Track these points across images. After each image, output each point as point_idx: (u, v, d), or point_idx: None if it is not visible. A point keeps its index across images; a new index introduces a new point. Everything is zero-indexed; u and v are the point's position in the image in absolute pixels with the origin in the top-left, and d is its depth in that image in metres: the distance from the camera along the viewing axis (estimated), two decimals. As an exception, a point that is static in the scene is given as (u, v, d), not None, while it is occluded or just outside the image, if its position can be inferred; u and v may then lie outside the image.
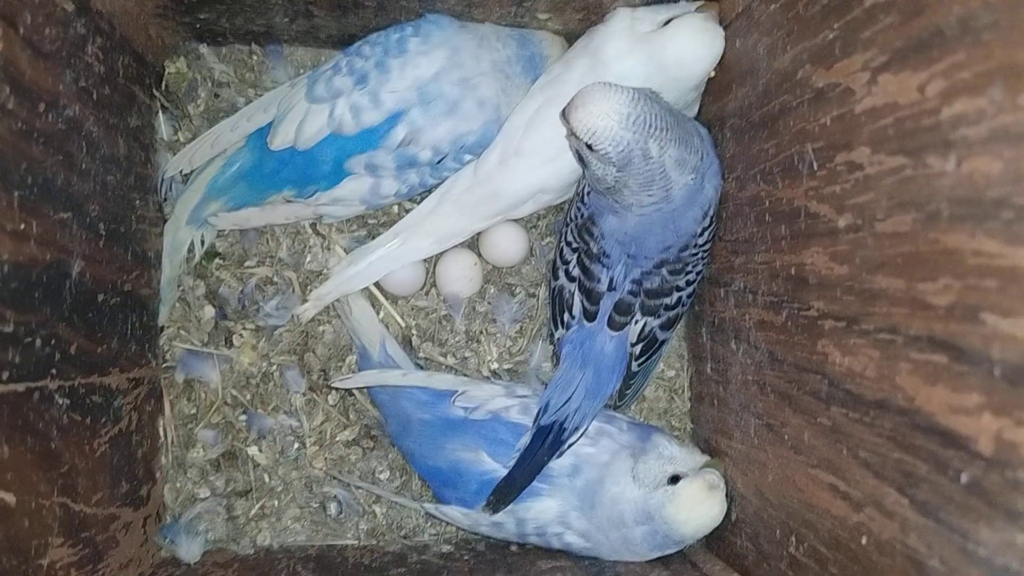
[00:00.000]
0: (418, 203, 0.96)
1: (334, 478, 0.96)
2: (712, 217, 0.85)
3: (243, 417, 0.96)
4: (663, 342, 0.91)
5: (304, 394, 0.96)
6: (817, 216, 0.65)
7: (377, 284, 0.97)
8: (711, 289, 0.90)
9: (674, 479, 0.85)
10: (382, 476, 0.97)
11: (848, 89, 0.60)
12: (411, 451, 0.94)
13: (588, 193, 0.86)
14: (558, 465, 0.87)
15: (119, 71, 0.79)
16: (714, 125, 0.88)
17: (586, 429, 0.88)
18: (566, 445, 0.87)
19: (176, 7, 0.86)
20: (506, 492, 0.86)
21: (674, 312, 0.88)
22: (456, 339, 0.98)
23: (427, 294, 0.99)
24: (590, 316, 0.88)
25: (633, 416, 0.98)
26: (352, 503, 0.96)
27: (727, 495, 0.85)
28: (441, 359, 0.98)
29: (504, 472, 0.88)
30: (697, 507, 0.83)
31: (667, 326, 0.89)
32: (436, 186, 0.95)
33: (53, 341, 0.64)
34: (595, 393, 0.88)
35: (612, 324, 0.87)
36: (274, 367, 0.96)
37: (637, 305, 0.87)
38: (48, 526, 0.64)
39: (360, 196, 0.92)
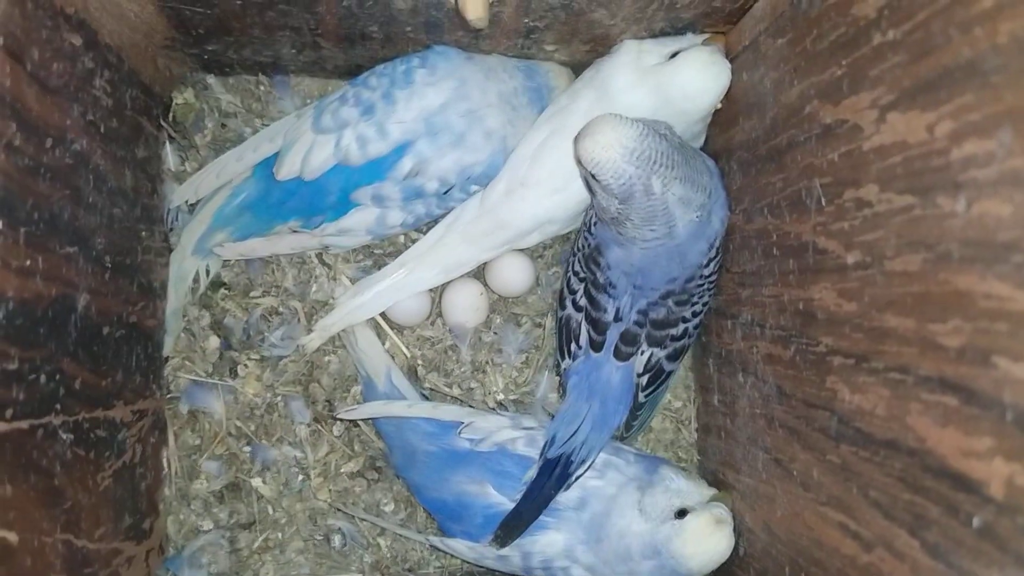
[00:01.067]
0: (424, 233, 0.96)
1: (339, 510, 0.95)
2: (718, 248, 0.85)
3: (247, 448, 0.95)
4: (669, 373, 0.90)
5: (309, 425, 0.96)
6: (825, 252, 0.65)
7: (383, 314, 0.96)
8: (718, 320, 0.90)
9: (681, 513, 0.84)
10: (387, 508, 0.96)
11: (856, 126, 0.60)
12: (416, 483, 0.93)
13: (595, 224, 0.86)
14: (564, 498, 0.87)
15: (127, 103, 0.79)
16: (721, 157, 0.88)
17: (593, 462, 0.87)
18: (573, 478, 0.86)
19: (184, 39, 0.86)
20: (513, 526, 0.86)
21: (680, 343, 0.88)
22: (462, 369, 0.98)
23: (432, 324, 0.99)
24: (597, 346, 0.88)
25: (640, 448, 0.98)
26: (356, 536, 0.96)
27: (735, 529, 0.84)
28: (447, 390, 0.97)
29: (510, 505, 0.87)
30: (704, 541, 0.83)
31: (673, 357, 0.88)
32: (442, 216, 0.94)
33: (58, 376, 0.64)
34: (602, 425, 0.88)
35: (618, 355, 0.87)
36: (279, 398, 0.96)
37: (643, 336, 0.86)
38: (51, 564, 0.63)
39: (367, 227, 0.92)
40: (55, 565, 0.64)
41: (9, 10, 0.55)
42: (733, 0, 0.80)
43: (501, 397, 0.97)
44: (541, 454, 0.87)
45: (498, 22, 0.84)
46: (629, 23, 0.85)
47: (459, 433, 0.90)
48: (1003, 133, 0.44)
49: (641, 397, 0.89)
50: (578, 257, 0.90)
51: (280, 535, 0.95)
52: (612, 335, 0.87)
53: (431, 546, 0.95)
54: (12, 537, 0.57)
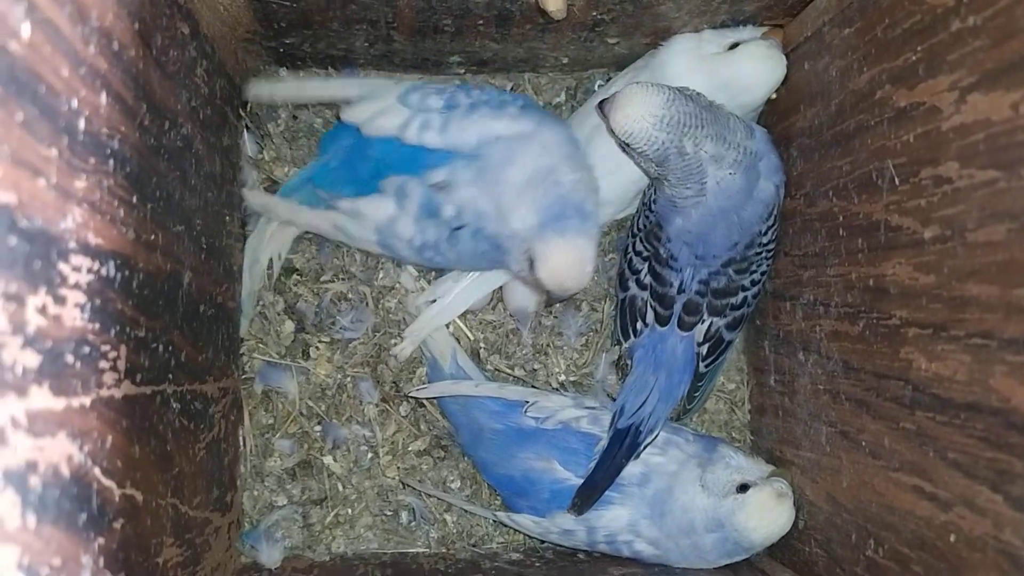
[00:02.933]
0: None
1: (407, 486, 0.99)
2: (776, 216, 0.89)
3: (318, 428, 0.99)
4: (729, 343, 0.94)
5: (377, 405, 0.99)
6: (899, 229, 0.68)
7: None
8: (775, 303, 0.93)
9: (743, 487, 0.87)
10: (453, 485, 0.99)
11: (934, 108, 0.63)
12: (483, 460, 0.97)
13: (654, 201, 0.89)
14: (628, 474, 0.90)
15: (217, 92, 0.82)
16: (780, 145, 0.91)
17: (659, 432, 0.90)
18: (642, 447, 0.89)
19: (264, 33, 0.90)
20: (588, 494, 0.89)
21: (739, 312, 0.91)
22: (523, 352, 1.01)
23: (494, 309, 1.02)
24: (663, 320, 0.91)
25: (696, 428, 1.01)
26: (424, 512, 0.99)
27: (795, 503, 0.87)
28: (509, 371, 1.00)
29: (576, 480, 0.91)
30: (767, 514, 0.86)
31: (733, 326, 0.92)
32: (445, 265, 0.96)
33: (170, 347, 0.68)
34: (668, 396, 0.91)
35: (681, 325, 0.90)
36: (348, 379, 0.99)
37: (704, 305, 0.90)
38: (163, 526, 0.66)
39: (376, 221, 0.91)
40: (166, 528, 0.67)
41: (139, -3, 0.59)
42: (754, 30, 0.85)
43: (563, 379, 1.00)
44: (611, 424, 0.90)
45: (568, 15, 0.87)
46: (692, 16, 0.88)
47: (525, 412, 0.93)
48: (1095, 106, 0.48)
49: (702, 367, 0.93)
50: (639, 237, 0.93)
51: (350, 511, 0.98)
52: (677, 307, 0.90)
53: (495, 522, 0.99)
54: (138, 496, 0.60)
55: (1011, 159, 0.55)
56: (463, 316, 1.01)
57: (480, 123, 0.87)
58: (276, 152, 0.99)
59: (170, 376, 0.68)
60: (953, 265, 0.61)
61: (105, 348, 0.53)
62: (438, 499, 0.99)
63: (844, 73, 0.77)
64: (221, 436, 0.86)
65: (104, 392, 0.53)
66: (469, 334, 1.01)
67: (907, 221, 0.67)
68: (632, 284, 0.93)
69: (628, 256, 0.95)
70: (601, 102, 0.87)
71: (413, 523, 0.99)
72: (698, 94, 0.84)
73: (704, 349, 0.92)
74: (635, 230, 0.95)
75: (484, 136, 0.87)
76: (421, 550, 0.98)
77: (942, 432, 0.63)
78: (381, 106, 0.91)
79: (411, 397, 0.98)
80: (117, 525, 0.55)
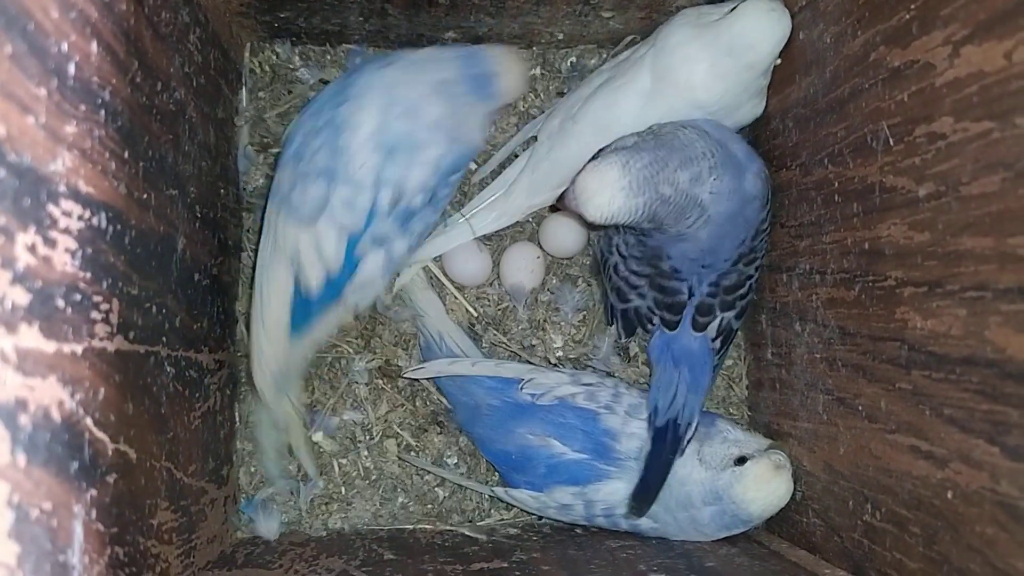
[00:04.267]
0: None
1: (404, 461, 0.98)
2: (769, 199, 0.88)
3: (314, 405, 0.98)
4: (736, 330, 0.94)
5: (368, 384, 0.99)
6: (894, 189, 0.68)
7: (445, 273, 1.00)
8: (771, 276, 0.93)
9: (741, 460, 0.87)
10: (450, 461, 0.99)
11: (928, 64, 0.63)
12: (480, 436, 0.96)
13: (647, 235, 0.88)
14: (625, 448, 0.90)
15: (211, 63, 0.82)
16: (775, 117, 0.91)
17: (698, 422, 0.90)
18: (685, 441, 0.89)
19: (259, 5, 0.90)
20: (644, 497, 0.88)
21: (746, 301, 0.91)
22: (520, 327, 1.01)
23: (491, 285, 1.02)
24: (671, 325, 0.90)
25: (693, 403, 1.01)
26: (420, 487, 0.99)
27: (792, 475, 0.87)
28: (508, 344, 1.00)
29: (572, 455, 0.90)
30: (765, 486, 0.86)
31: (740, 315, 0.92)
32: (438, 221, 0.96)
33: (164, 311, 0.67)
34: (696, 388, 0.90)
35: (696, 326, 0.90)
36: (340, 356, 0.99)
37: (717, 304, 0.89)
38: (157, 488, 0.66)
39: (379, 270, 0.90)
40: (160, 490, 0.67)
41: (130, -45, 0.59)
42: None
43: (560, 354, 1.00)
44: (649, 425, 0.90)
45: (560, -13, 0.87)
46: (688, -14, 0.88)
47: (521, 388, 0.93)
48: (1088, 47, 0.48)
49: (715, 360, 0.93)
50: (629, 263, 0.91)
51: (344, 489, 0.98)
52: (687, 311, 0.90)
53: (492, 497, 0.98)
54: (132, 454, 0.60)
55: (1005, 108, 0.55)
56: (461, 290, 1.01)
57: (356, 143, 0.85)
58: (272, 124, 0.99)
59: (164, 339, 0.68)
60: (947, 220, 0.61)
61: (97, 299, 0.53)
62: (435, 475, 0.99)
63: (838, 39, 0.77)
64: (216, 408, 0.86)
65: (96, 343, 0.53)
66: (470, 309, 1.01)
67: (902, 181, 0.67)
68: (633, 297, 0.92)
69: (622, 274, 0.92)
70: (562, 195, 0.85)
71: (409, 500, 0.99)
72: (641, 135, 0.85)
73: (717, 343, 0.91)
74: (621, 253, 0.93)
75: (371, 139, 0.85)
76: (419, 526, 0.98)
77: (938, 389, 0.63)
78: (310, 248, 0.87)
79: (405, 377, 0.98)
80: (110, 479, 0.55)
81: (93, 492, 0.52)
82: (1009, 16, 0.54)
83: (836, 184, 0.78)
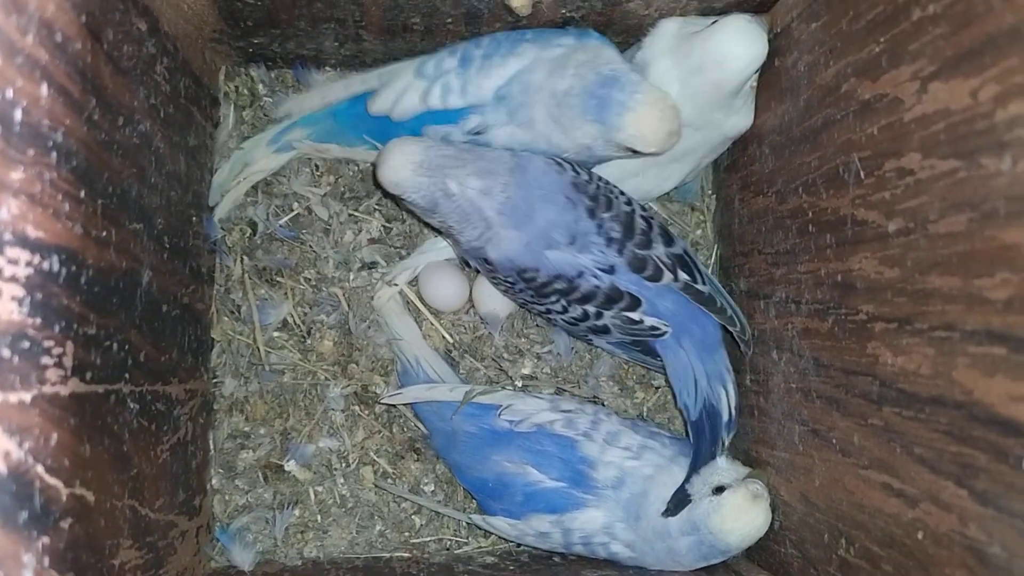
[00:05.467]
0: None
1: (380, 489, 0.98)
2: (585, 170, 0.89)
3: (289, 433, 0.97)
4: (686, 251, 0.90)
5: (344, 411, 0.98)
6: (865, 223, 0.67)
7: (421, 299, 0.99)
8: (749, 302, 0.92)
9: (718, 489, 0.86)
10: (427, 488, 0.98)
11: (897, 99, 0.62)
12: (457, 463, 0.95)
13: (491, 263, 0.88)
14: (603, 477, 0.89)
15: (181, 91, 0.82)
16: (752, 142, 0.90)
17: (734, 382, 0.91)
18: (724, 424, 0.90)
19: (232, 32, 0.89)
20: (683, 498, 0.87)
21: (653, 230, 0.88)
22: (495, 353, 1.00)
23: (467, 312, 1.01)
24: (631, 306, 0.88)
25: (674, 432, 1.00)
26: (397, 515, 0.98)
27: (771, 504, 0.86)
28: (482, 369, 0.99)
29: (550, 483, 0.90)
30: (742, 516, 0.85)
31: (668, 242, 0.89)
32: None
33: (127, 347, 0.67)
34: (706, 346, 0.90)
35: (651, 279, 0.87)
36: (316, 384, 0.98)
37: (633, 245, 0.86)
38: (120, 528, 0.65)
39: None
40: (123, 530, 0.66)
41: (89, -10, 0.58)
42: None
43: (526, 371, 1.00)
44: (687, 422, 0.91)
45: (536, 12, 0.86)
46: (663, 13, 0.88)
47: (499, 415, 0.92)
48: (1049, 91, 0.47)
49: (699, 288, 0.89)
50: (534, 307, 0.93)
51: (320, 516, 0.97)
52: (624, 282, 0.87)
53: (469, 525, 0.97)
54: (89, 496, 0.59)
55: (971, 148, 0.54)
56: (437, 316, 1.00)
57: (494, 73, 0.88)
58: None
59: (126, 376, 0.67)
60: (916, 257, 0.60)
61: (48, 344, 0.52)
62: (411, 503, 0.98)
63: (812, 68, 0.76)
64: (188, 439, 0.85)
65: (47, 389, 0.52)
66: (445, 335, 1.00)
67: (872, 215, 0.66)
68: (598, 323, 0.90)
69: (561, 320, 0.92)
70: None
71: (386, 528, 0.98)
72: (461, 144, 0.88)
73: (681, 275, 0.88)
74: (527, 307, 0.94)
75: (499, 83, 0.88)
76: (394, 554, 0.97)
77: (908, 427, 0.62)
78: (401, 86, 0.92)
79: (383, 403, 0.97)
80: (64, 525, 0.54)
81: (45, 540, 0.51)
82: (975, 54, 0.53)
83: (810, 214, 0.77)
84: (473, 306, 1.01)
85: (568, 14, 0.87)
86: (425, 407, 0.96)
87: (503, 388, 0.98)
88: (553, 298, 0.88)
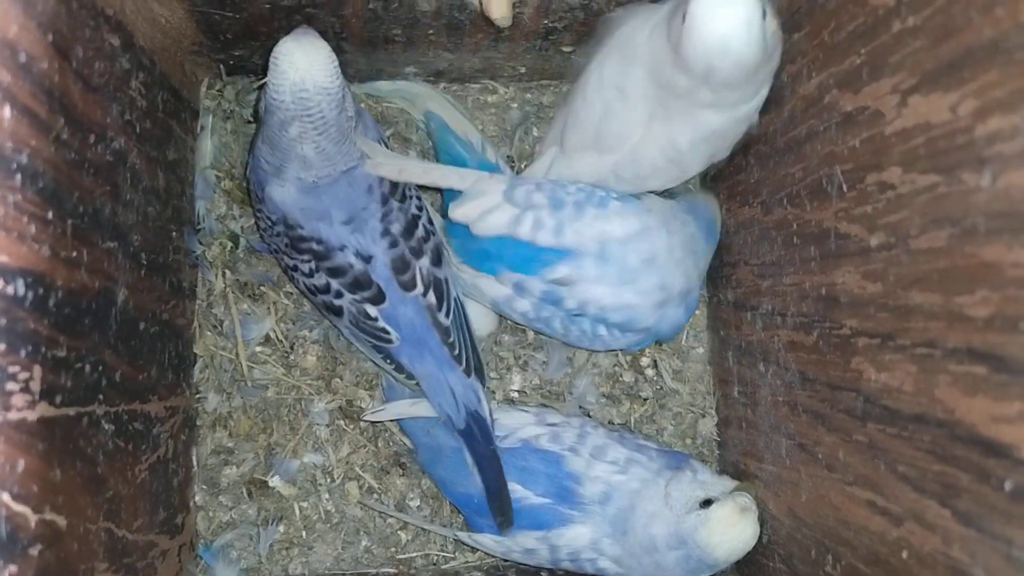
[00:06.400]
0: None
1: (365, 506, 0.97)
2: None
3: (273, 447, 0.97)
4: (445, 281, 0.90)
5: (329, 425, 0.97)
6: (848, 236, 0.66)
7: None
8: (737, 313, 0.92)
9: (706, 503, 0.85)
10: (412, 504, 0.97)
11: (877, 112, 0.61)
12: (442, 478, 0.95)
13: (263, 194, 0.86)
14: (589, 493, 0.88)
15: (159, 106, 0.81)
16: (738, 151, 0.89)
17: (485, 390, 0.90)
18: (490, 416, 0.90)
19: (212, 44, 0.88)
20: (498, 503, 0.88)
21: (430, 243, 0.89)
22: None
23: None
24: (376, 299, 0.87)
25: (662, 444, 0.99)
26: (382, 530, 0.97)
27: (759, 517, 0.85)
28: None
29: (535, 499, 0.89)
30: (730, 530, 0.84)
31: (435, 260, 0.89)
32: (562, 334, 0.94)
33: (100, 367, 0.66)
34: (445, 364, 0.89)
35: (403, 285, 0.87)
36: (300, 398, 0.97)
37: (405, 252, 0.86)
38: (94, 551, 0.64)
39: (493, 296, 0.92)
40: (98, 553, 0.65)
41: (56, 7, 0.57)
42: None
43: (521, 394, 0.99)
44: (456, 432, 0.90)
45: (518, 24, 0.86)
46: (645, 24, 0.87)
47: (484, 430, 0.91)
48: (1028, 106, 0.46)
49: (441, 318, 0.88)
50: (284, 250, 0.88)
51: (306, 532, 0.96)
52: (377, 276, 0.86)
53: (457, 541, 0.97)
54: (61, 521, 0.58)
55: (951, 163, 0.53)
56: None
57: (594, 225, 0.87)
58: (231, 161, 0.98)
59: (100, 396, 0.66)
60: (898, 273, 0.59)
61: (13, 369, 0.51)
62: (397, 519, 0.97)
63: (795, 79, 0.76)
64: (169, 456, 0.84)
65: (13, 415, 0.51)
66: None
67: (855, 228, 0.65)
68: (332, 300, 0.88)
69: (304, 280, 0.89)
70: None
71: (372, 544, 0.97)
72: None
73: (432, 298, 0.88)
74: (277, 258, 0.91)
75: (605, 235, 0.87)
76: (380, 570, 0.96)
77: (892, 444, 0.61)
78: (488, 204, 0.89)
79: (366, 420, 0.96)
80: (34, 551, 0.54)
81: (13, 568, 0.51)
82: (954, 68, 0.53)
83: (795, 226, 0.77)
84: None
85: (551, 24, 0.87)
86: (410, 422, 0.95)
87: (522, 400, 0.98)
88: (306, 256, 0.86)
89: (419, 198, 0.90)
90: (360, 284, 0.86)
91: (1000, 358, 0.49)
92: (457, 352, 0.89)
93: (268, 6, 0.80)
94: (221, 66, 0.96)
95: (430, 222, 0.91)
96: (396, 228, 0.86)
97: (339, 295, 0.87)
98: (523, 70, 1.00)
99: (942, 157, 0.54)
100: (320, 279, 0.86)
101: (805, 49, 0.73)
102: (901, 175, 0.59)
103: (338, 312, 0.88)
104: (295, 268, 0.88)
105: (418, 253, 0.87)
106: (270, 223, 0.87)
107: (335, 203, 0.84)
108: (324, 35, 0.85)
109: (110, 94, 0.68)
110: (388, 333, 0.88)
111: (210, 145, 0.97)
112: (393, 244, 0.86)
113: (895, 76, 0.59)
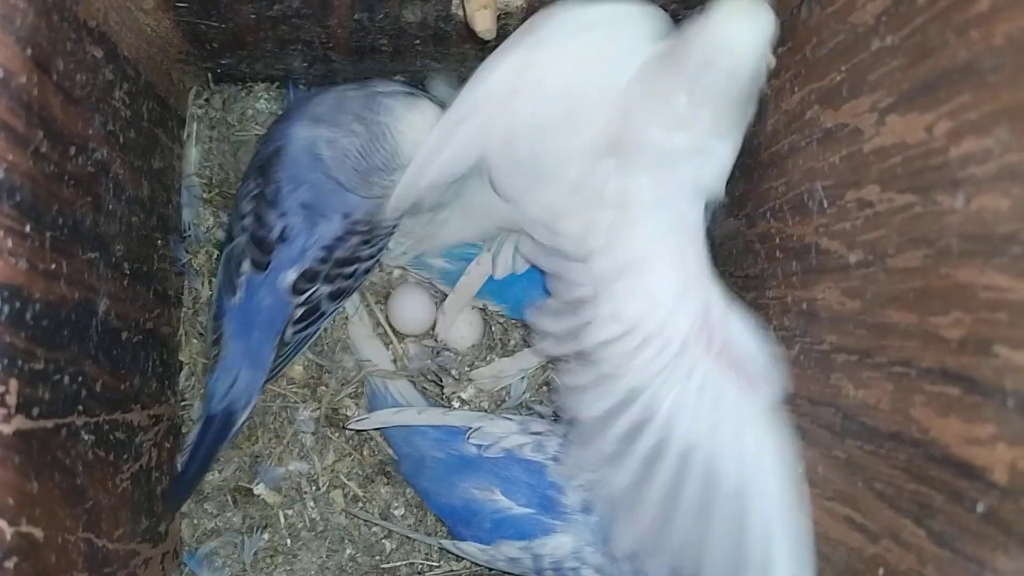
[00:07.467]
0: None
1: (350, 514, 0.97)
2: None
3: (257, 455, 0.97)
4: (323, 315, 0.90)
5: (315, 433, 0.97)
6: (828, 252, 0.66)
7: (388, 319, 0.98)
8: (722, 325, 0.92)
9: None
10: (397, 512, 0.97)
11: (856, 129, 0.61)
12: (425, 489, 0.95)
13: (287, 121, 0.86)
14: (571, 502, 0.88)
15: (144, 115, 0.81)
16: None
17: (255, 403, 0.89)
18: (237, 426, 0.88)
19: (198, 53, 0.88)
20: (180, 489, 0.88)
21: (347, 284, 0.88)
22: (459, 377, 0.99)
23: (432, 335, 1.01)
24: (260, 265, 0.85)
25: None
26: (367, 538, 0.97)
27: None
28: (440, 389, 0.99)
29: (518, 510, 0.89)
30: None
31: (335, 296, 0.89)
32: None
33: (80, 378, 0.66)
34: (255, 360, 0.88)
35: (296, 290, 0.86)
36: (286, 406, 0.97)
37: (323, 274, 0.86)
38: (73, 561, 0.65)
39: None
40: (77, 563, 0.65)
41: (36, 21, 0.57)
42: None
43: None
44: (202, 412, 0.88)
45: (504, 34, 0.85)
46: (633, 35, 0.87)
47: (467, 438, 0.92)
48: (1000, 130, 0.46)
49: (289, 332, 0.88)
50: (253, 169, 0.88)
51: (290, 540, 0.96)
52: (280, 258, 0.85)
53: (440, 549, 0.97)
54: (38, 533, 0.58)
55: (926, 183, 0.53)
56: (402, 340, 0.99)
57: None
58: (221, 166, 0.98)
59: (80, 408, 0.66)
60: (875, 291, 0.60)
61: (-12, 384, 0.51)
62: (381, 527, 0.97)
63: (778, 93, 0.76)
64: (152, 465, 0.84)
65: (-13, 429, 0.51)
66: (406, 361, 0.99)
67: (835, 245, 0.65)
68: (238, 231, 0.87)
69: (238, 200, 0.89)
70: None
71: (356, 552, 0.97)
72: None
73: (299, 312, 0.87)
74: (253, 162, 0.90)
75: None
76: (365, 578, 0.96)
77: (869, 462, 0.61)
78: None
79: (351, 428, 0.96)
80: (9, 564, 0.54)
81: (-14, 582, 0.51)
82: (931, 88, 0.53)
83: (777, 240, 0.77)
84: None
85: (537, 35, 0.87)
86: (394, 432, 0.95)
87: (472, 409, 0.98)
88: (255, 184, 0.86)
89: (376, 258, 0.91)
90: (263, 245, 0.85)
91: (973, 380, 0.49)
92: (271, 365, 0.88)
93: (254, 16, 0.79)
94: (209, 74, 0.96)
95: (365, 272, 0.90)
96: (340, 252, 0.85)
97: (243, 231, 0.86)
98: (511, 79, 1.00)
99: (918, 177, 0.54)
100: (247, 205, 0.86)
101: (788, 64, 0.73)
102: (879, 193, 0.59)
103: (228, 238, 0.88)
104: (246, 179, 0.88)
105: (330, 280, 0.86)
106: (268, 143, 0.86)
107: (317, 191, 0.83)
108: (310, 45, 0.86)
109: (92, 105, 0.68)
110: (233, 290, 0.86)
111: (195, 153, 0.97)
112: (324, 260, 0.85)
113: (874, 94, 0.59)
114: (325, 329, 0.98)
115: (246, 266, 0.86)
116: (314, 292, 0.86)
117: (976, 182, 0.48)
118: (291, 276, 0.85)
